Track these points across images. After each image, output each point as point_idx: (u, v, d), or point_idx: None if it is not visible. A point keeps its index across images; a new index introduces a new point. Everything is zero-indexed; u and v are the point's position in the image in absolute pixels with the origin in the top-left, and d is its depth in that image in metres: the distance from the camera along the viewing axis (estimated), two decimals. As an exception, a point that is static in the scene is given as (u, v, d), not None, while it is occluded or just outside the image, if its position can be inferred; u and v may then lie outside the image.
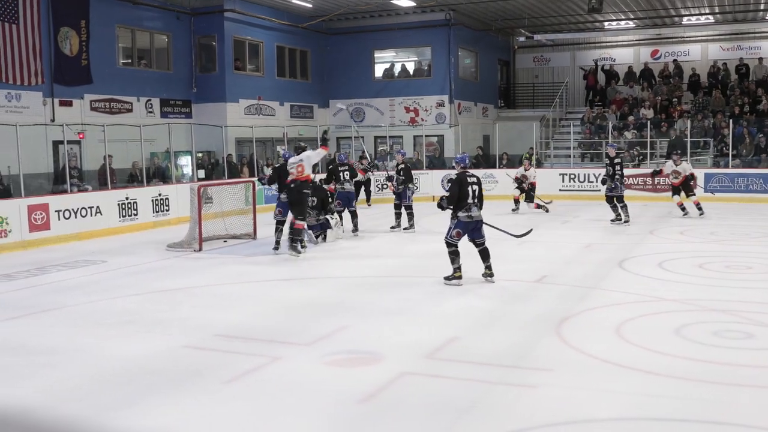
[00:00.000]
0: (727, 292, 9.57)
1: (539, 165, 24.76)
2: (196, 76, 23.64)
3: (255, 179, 15.23)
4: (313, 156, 13.09)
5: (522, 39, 30.97)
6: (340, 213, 15.05)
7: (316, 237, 14.36)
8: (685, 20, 27.09)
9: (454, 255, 10.11)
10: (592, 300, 9.29)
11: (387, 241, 14.82)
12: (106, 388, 6.28)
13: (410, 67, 28.05)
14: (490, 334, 7.82)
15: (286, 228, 13.34)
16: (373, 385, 6.16)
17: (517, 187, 19.36)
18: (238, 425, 5.50)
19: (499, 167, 23.43)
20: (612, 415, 5.57)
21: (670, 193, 18.10)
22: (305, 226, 13.06)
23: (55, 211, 15.23)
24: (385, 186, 16.51)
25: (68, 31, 19.40)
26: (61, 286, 10.76)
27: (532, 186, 19.23)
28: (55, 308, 9.31)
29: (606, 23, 27.92)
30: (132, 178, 18.80)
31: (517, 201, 19.31)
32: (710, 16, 26.81)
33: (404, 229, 15.85)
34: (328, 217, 14.47)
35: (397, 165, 16.17)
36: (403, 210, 15.99)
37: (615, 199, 16.31)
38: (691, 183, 17.55)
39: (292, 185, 12.85)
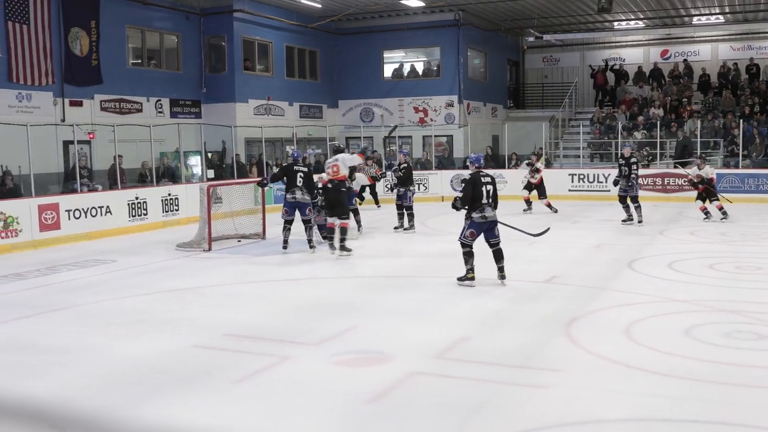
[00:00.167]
0: (737, 292, 9.53)
1: (548, 165, 24.73)
2: (205, 76, 23.69)
3: (259, 179, 15.12)
4: (348, 159, 13.10)
5: (531, 39, 30.91)
6: None
7: (324, 238, 14.34)
8: (695, 20, 26.99)
9: (468, 256, 10.05)
10: (601, 300, 9.27)
11: (395, 242, 14.82)
12: (115, 387, 6.30)
13: (419, 68, 28.04)
14: (499, 334, 7.81)
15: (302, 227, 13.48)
16: (382, 385, 6.16)
17: (525, 187, 19.32)
18: (248, 425, 5.51)
19: (508, 167, 23.40)
20: (621, 415, 5.56)
21: (679, 194, 18.03)
22: (337, 224, 13.02)
23: (66, 210, 15.29)
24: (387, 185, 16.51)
25: (78, 32, 19.47)
26: (71, 286, 10.79)
27: (541, 181, 19.19)
28: (65, 307, 9.35)
29: (615, 23, 27.84)
30: (142, 178, 18.85)
31: (528, 201, 19.25)
32: (720, 16, 26.70)
33: (404, 229, 15.79)
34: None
35: (399, 164, 16.16)
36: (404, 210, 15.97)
37: (629, 199, 16.24)
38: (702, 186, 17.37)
39: (329, 185, 12.89)
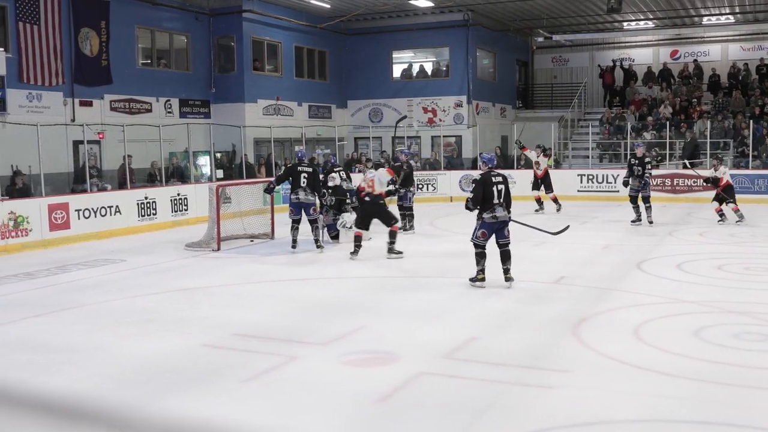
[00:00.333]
0: (746, 294, 9.51)
1: (557, 165, 24.69)
2: (214, 76, 23.75)
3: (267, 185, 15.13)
4: (383, 176, 13.06)
5: (540, 39, 30.86)
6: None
7: (332, 238, 14.39)
8: (705, 20, 26.91)
9: (480, 257, 10.00)
10: (610, 301, 9.27)
11: (403, 242, 14.80)
12: (125, 386, 6.33)
13: (428, 68, 28.04)
14: (507, 335, 7.81)
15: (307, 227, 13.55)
16: (390, 385, 6.18)
17: (533, 187, 19.32)
18: (257, 424, 5.53)
19: (517, 168, 23.37)
20: (629, 416, 5.56)
21: (688, 194, 17.97)
22: (365, 234, 13.02)
23: (75, 210, 15.36)
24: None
25: (88, 32, 19.56)
26: (81, 285, 10.84)
27: (546, 173, 19.19)
28: (75, 307, 9.39)
29: (625, 23, 27.78)
30: (151, 178, 18.91)
31: (539, 201, 19.23)
32: (730, 16, 26.62)
33: (404, 230, 15.70)
34: (342, 216, 14.44)
35: (401, 165, 16.13)
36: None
37: (641, 199, 16.17)
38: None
39: (367, 198, 12.90)
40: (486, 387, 6.18)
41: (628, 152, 21.10)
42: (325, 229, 14.38)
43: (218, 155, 21.66)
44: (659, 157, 23.96)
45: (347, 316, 8.67)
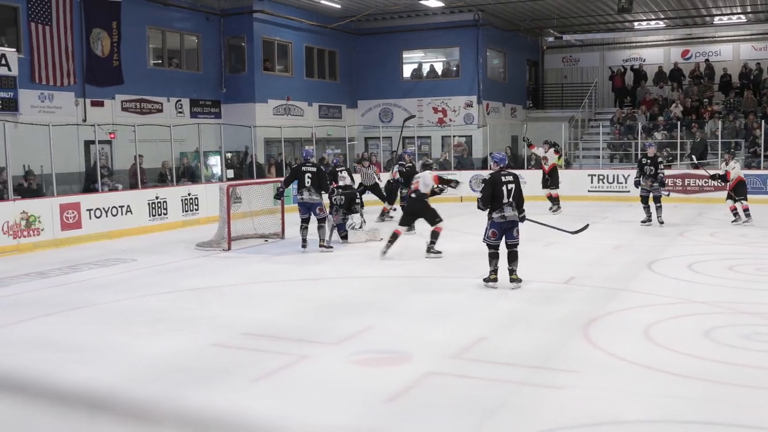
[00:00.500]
0: (757, 294, 9.47)
1: (568, 165, 24.65)
2: (225, 76, 23.82)
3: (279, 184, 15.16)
4: (428, 179, 13.03)
5: (551, 39, 30.81)
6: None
7: (342, 237, 14.40)
8: (716, 20, 26.81)
9: (492, 257, 9.97)
10: (620, 301, 9.24)
11: (412, 242, 14.80)
12: (135, 385, 6.36)
13: (438, 68, 28.04)
14: (517, 335, 7.81)
15: (312, 226, 13.60)
16: (400, 385, 6.18)
17: (543, 186, 19.30)
18: (266, 423, 5.55)
19: (528, 168, 23.34)
20: (639, 417, 5.55)
21: (699, 195, 17.89)
22: (402, 232, 13.02)
23: (87, 210, 15.43)
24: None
25: (100, 33, 19.65)
26: (92, 284, 10.89)
27: (553, 169, 19.18)
28: (86, 306, 9.43)
29: (636, 23, 27.71)
30: (162, 178, 18.97)
31: (557, 199, 19.20)
32: (742, 16, 26.50)
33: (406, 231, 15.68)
34: (351, 217, 14.45)
35: (405, 165, 16.12)
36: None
37: (652, 198, 16.10)
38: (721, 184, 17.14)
39: (413, 195, 12.91)
40: (495, 387, 6.18)
41: (639, 152, 21.03)
42: (335, 229, 14.39)
43: (229, 155, 21.71)
44: (670, 157, 23.88)
45: (357, 315, 8.68)
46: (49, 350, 7.44)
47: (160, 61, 22.34)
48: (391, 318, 8.55)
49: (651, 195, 16.11)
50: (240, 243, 14.39)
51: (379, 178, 19.51)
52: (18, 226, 14.07)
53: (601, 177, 23.21)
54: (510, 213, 9.82)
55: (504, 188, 9.81)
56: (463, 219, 17.80)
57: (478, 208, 10.09)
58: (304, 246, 13.59)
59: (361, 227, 14.71)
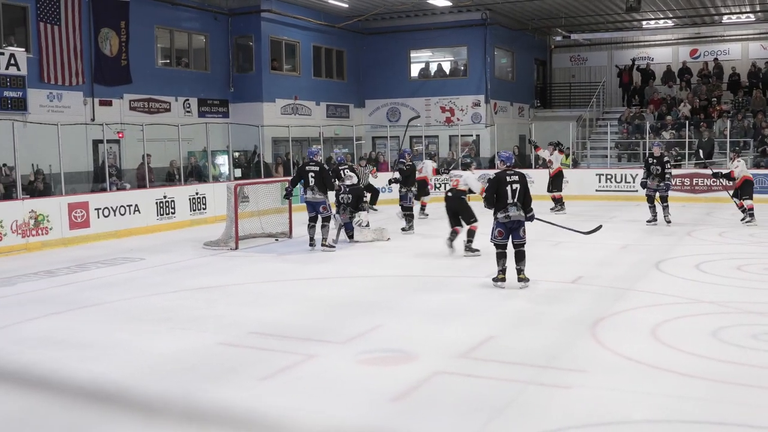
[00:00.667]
0: (766, 294, 9.43)
1: (576, 165, 24.61)
2: (233, 76, 23.86)
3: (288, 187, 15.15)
4: (470, 179, 12.98)
5: (559, 38, 30.78)
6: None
7: (350, 237, 14.41)
8: (724, 19, 26.72)
9: (500, 257, 9.95)
10: (627, 301, 9.22)
11: (419, 241, 14.82)
12: (142, 383, 6.38)
13: (446, 67, 28.03)
14: (524, 335, 7.80)
15: (318, 225, 13.66)
16: (407, 384, 6.19)
17: (548, 188, 19.30)
18: (273, 422, 5.56)
19: (535, 167, 23.31)
20: (646, 416, 5.54)
21: (708, 194, 17.85)
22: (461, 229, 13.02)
23: (95, 209, 15.48)
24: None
25: (108, 32, 19.71)
26: (100, 283, 10.93)
27: (558, 173, 19.18)
28: (94, 305, 9.47)
29: (644, 22, 27.63)
30: (170, 177, 19.02)
31: (560, 200, 19.21)
32: (751, 15, 26.40)
33: (402, 229, 15.66)
34: (359, 214, 14.43)
35: (405, 164, 16.09)
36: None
37: (659, 198, 16.05)
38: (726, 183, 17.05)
39: (450, 194, 12.92)
40: (503, 386, 6.18)
41: (647, 152, 20.97)
42: (343, 228, 14.40)
43: (236, 154, 21.75)
44: (679, 157, 23.82)
45: (364, 314, 8.69)
46: (57, 348, 7.47)
47: (168, 61, 22.39)
48: (398, 317, 8.56)
49: (657, 195, 16.06)
50: (247, 242, 14.41)
51: (375, 177, 19.59)
52: (26, 225, 14.13)
53: (608, 176, 23.18)
54: (514, 213, 9.78)
55: (508, 188, 9.78)
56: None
57: (485, 207, 10.10)
58: (311, 245, 13.61)
59: (368, 225, 14.71)
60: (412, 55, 27.84)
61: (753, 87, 26.36)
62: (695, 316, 8.41)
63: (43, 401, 6.06)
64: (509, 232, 9.88)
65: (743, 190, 16.13)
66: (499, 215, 9.82)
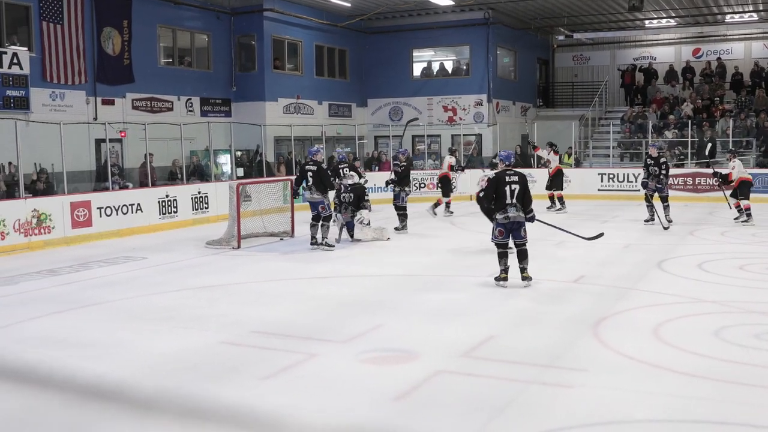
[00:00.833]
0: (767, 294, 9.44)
1: (578, 164, 24.59)
2: (235, 75, 23.86)
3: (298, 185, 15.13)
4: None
5: (561, 38, 30.76)
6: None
7: (351, 236, 14.40)
8: (727, 18, 26.68)
9: (501, 256, 9.95)
10: (629, 301, 9.22)
11: (422, 240, 14.82)
12: (144, 382, 6.38)
13: (448, 66, 28.01)
14: (526, 334, 7.80)
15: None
16: (408, 383, 6.19)
17: (547, 186, 19.35)
18: (274, 421, 5.56)
19: (538, 167, 23.30)
20: (649, 416, 5.53)
21: (710, 194, 17.83)
22: None
23: (97, 208, 15.50)
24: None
25: (111, 31, 19.71)
26: (102, 282, 10.93)
27: (557, 172, 19.20)
28: (96, 304, 9.47)
29: (647, 21, 27.59)
30: (172, 176, 19.03)
31: (552, 198, 19.25)
32: (753, 14, 26.35)
33: (395, 228, 15.63)
34: (360, 212, 14.42)
35: (399, 164, 16.10)
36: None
37: (660, 198, 16.04)
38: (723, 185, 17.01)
39: (482, 194, 12.92)
40: (504, 385, 6.18)
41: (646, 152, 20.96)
42: (345, 227, 14.40)
43: (239, 153, 21.75)
44: (682, 156, 23.80)
45: (366, 314, 8.69)
46: (59, 347, 7.47)
47: (170, 60, 22.40)
48: (400, 316, 8.56)
49: (658, 195, 16.04)
50: (250, 241, 14.42)
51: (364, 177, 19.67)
52: (29, 224, 14.14)
53: (611, 176, 23.17)
54: (513, 214, 9.76)
55: (507, 188, 9.77)
56: (472, 218, 17.82)
57: (479, 206, 10.13)
58: (312, 243, 13.62)
59: (368, 223, 14.71)
60: (414, 54, 27.82)
61: (756, 86, 26.31)
62: (697, 316, 8.40)
63: (45, 400, 6.07)
64: (510, 233, 9.89)
65: (741, 190, 16.16)
66: (498, 216, 9.82)
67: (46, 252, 13.92)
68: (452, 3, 24.85)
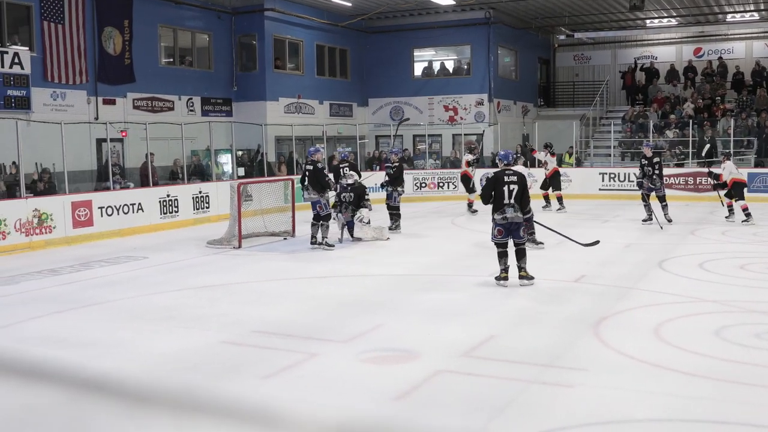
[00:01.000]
0: (769, 293, 9.43)
1: (579, 164, 24.58)
2: (236, 74, 23.87)
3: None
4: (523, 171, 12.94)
5: (562, 37, 30.75)
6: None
7: (352, 236, 14.41)
8: (728, 17, 26.66)
9: (501, 256, 9.95)
10: (630, 300, 9.21)
11: (422, 240, 14.83)
12: (145, 382, 6.39)
13: (449, 66, 28.03)
14: (526, 333, 7.80)
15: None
16: (409, 383, 6.19)
17: (542, 186, 19.38)
18: (275, 420, 5.57)
19: (538, 166, 23.27)
20: (649, 415, 5.53)
21: (711, 193, 17.86)
22: None
23: (98, 207, 15.51)
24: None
25: (112, 31, 19.73)
26: (104, 282, 10.94)
27: (555, 173, 19.22)
28: (97, 303, 9.48)
29: (648, 21, 27.60)
30: (173, 176, 19.04)
31: (547, 198, 19.29)
32: (755, 13, 26.34)
33: (388, 228, 15.62)
34: (360, 211, 14.40)
35: (392, 165, 16.09)
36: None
37: (657, 198, 16.06)
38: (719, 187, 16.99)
39: None
40: (504, 385, 6.18)
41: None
42: (345, 227, 14.40)
43: (240, 153, 21.76)
44: (682, 155, 23.78)
45: (366, 313, 8.69)
46: (60, 346, 7.48)
47: (171, 60, 22.41)
48: (400, 316, 8.56)
49: (654, 194, 16.05)
50: (251, 241, 14.43)
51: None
52: (30, 224, 14.15)
53: (612, 175, 23.16)
54: (511, 214, 9.77)
55: (505, 188, 9.78)
56: (472, 217, 17.85)
57: (483, 203, 10.17)
58: (312, 242, 13.64)
59: (369, 222, 14.71)
60: (415, 53, 27.83)
61: (757, 86, 26.28)
62: (698, 315, 8.40)
63: (46, 399, 6.07)
64: (509, 233, 9.90)
65: (735, 191, 16.21)
66: (496, 216, 9.83)
67: (47, 252, 13.92)
68: (453, 2, 24.87)
